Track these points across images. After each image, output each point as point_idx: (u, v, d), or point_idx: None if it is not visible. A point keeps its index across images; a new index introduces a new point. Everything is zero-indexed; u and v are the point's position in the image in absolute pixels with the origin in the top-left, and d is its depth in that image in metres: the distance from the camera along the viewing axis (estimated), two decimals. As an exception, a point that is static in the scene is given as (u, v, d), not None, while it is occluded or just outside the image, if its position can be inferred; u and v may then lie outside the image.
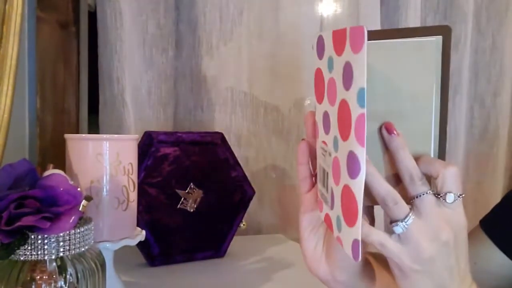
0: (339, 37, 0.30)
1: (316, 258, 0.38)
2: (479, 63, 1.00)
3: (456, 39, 0.96)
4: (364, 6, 0.90)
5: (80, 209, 0.40)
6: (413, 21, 0.92)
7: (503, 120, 1.00)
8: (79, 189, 0.40)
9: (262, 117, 0.92)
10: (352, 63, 0.28)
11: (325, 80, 0.33)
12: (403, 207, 0.32)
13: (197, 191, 0.71)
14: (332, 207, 0.33)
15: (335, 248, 0.37)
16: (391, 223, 0.32)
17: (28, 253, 0.37)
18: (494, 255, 0.51)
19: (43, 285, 0.38)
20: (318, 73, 0.35)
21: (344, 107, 0.30)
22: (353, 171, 0.29)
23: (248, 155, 0.91)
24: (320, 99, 0.34)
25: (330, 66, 0.32)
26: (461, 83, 0.97)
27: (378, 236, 0.32)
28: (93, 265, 0.40)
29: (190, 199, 0.71)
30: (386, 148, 0.33)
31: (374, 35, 0.32)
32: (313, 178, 0.38)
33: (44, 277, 0.38)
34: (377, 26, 0.90)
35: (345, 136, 0.30)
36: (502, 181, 1.02)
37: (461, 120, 0.98)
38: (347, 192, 0.30)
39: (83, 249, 0.40)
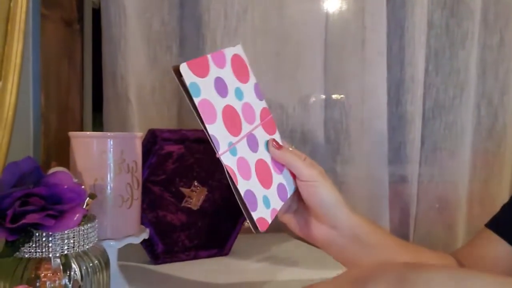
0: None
1: (307, 225, 0.48)
2: (486, 60, 0.99)
3: (463, 36, 0.95)
4: (370, 3, 0.89)
5: (84, 207, 0.40)
6: (420, 18, 0.91)
7: (510, 118, 0.99)
8: (83, 187, 0.40)
9: (266, 115, 0.91)
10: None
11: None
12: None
13: (201, 189, 0.71)
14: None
15: (307, 195, 0.46)
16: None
17: (32, 250, 0.37)
18: (506, 255, 0.50)
19: (47, 283, 0.38)
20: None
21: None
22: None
23: (253, 153, 0.91)
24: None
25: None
26: (468, 80, 0.96)
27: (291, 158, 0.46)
28: (97, 262, 0.40)
29: (194, 197, 0.70)
30: None
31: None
32: None
33: (49, 274, 0.38)
34: (383, 23, 0.89)
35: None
36: (509, 180, 1.01)
37: (468, 117, 0.97)
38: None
39: (87, 247, 0.39)
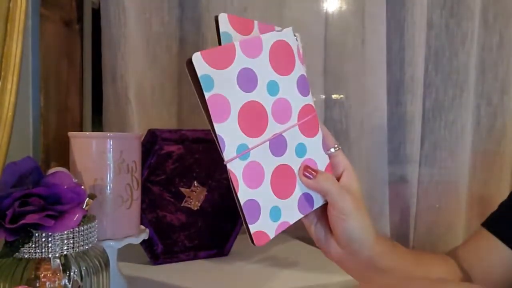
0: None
1: (327, 243, 0.45)
2: (486, 60, 0.99)
3: (463, 36, 0.95)
4: (370, 3, 0.89)
5: (84, 207, 0.40)
6: (419, 18, 0.91)
7: (510, 118, 0.99)
8: (82, 187, 0.40)
9: (266, 115, 0.91)
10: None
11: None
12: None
13: (201, 189, 0.71)
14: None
15: (335, 226, 0.43)
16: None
17: (32, 251, 0.37)
18: (502, 254, 0.50)
19: (47, 283, 0.38)
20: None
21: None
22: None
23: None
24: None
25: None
26: (467, 81, 0.96)
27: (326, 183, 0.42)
28: (97, 263, 0.40)
29: (194, 197, 0.70)
30: None
31: None
32: None
33: (48, 275, 0.38)
34: (383, 24, 0.89)
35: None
36: (509, 180, 1.01)
37: (468, 118, 0.97)
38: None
39: (87, 247, 0.39)
